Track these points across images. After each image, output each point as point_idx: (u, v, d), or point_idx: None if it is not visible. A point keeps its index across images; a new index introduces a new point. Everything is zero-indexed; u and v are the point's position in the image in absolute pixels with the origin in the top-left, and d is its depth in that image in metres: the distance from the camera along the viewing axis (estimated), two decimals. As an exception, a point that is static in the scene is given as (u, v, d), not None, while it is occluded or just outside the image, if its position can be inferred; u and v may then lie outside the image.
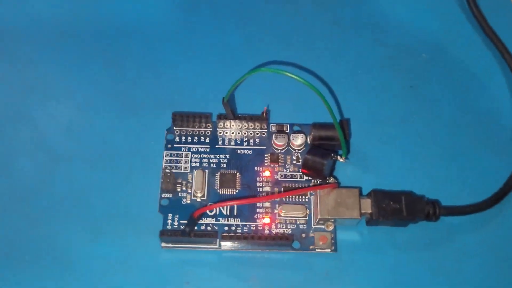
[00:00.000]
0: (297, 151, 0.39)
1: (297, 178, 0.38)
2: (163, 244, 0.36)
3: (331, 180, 0.37)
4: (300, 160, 0.38)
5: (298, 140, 0.38)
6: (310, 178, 0.38)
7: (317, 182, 0.38)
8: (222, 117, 0.38)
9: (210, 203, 0.37)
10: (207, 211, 0.37)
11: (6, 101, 0.41)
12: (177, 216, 0.37)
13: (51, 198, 0.37)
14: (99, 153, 0.39)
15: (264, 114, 0.38)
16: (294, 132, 0.39)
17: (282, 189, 0.38)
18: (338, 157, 0.37)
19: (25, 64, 0.43)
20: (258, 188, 0.38)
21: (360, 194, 0.36)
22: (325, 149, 0.37)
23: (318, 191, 0.36)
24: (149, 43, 0.43)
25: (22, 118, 0.40)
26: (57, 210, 0.37)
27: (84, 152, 0.39)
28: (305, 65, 0.42)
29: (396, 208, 0.36)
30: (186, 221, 0.36)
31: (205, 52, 0.43)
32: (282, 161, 0.39)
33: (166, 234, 0.35)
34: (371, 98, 0.42)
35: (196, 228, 0.36)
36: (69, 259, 0.36)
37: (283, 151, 0.39)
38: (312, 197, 0.37)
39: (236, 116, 0.38)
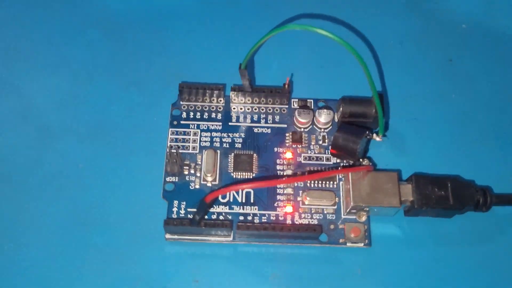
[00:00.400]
0: (323, 130, 0.34)
1: (323, 160, 0.33)
2: (168, 236, 0.31)
3: (366, 162, 0.31)
4: (326, 140, 0.33)
5: (325, 117, 0.33)
6: (340, 160, 0.32)
7: (348, 164, 0.32)
8: (237, 89, 0.33)
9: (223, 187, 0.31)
10: (220, 196, 0.31)
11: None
12: (184, 203, 0.31)
13: (40, 178, 0.32)
14: (94, 129, 0.34)
15: (286, 86, 0.33)
16: (320, 108, 0.33)
17: (306, 173, 0.32)
18: (374, 135, 0.32)
19: (9, 26, 0.37)
20: (278, 171, 0.33)
21: (399, 178, 0.31)
22: (358, 126, 0.32)
23: (350, 174, 0.31)
24: (152, 4, 0.38)
25: (7, 87, 0.35)
26: (46, 192, 0.32)
27: (77, 128, 0.34)
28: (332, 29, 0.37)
29: (442, 195, 0.30)
30: (195, 209, 0.30)
31: (216, 12, 0.38)
32: (306, 141, 0.33)
33: (172, 224, 0.30)
34: (405, 72, 0.36)
35: (206, 217, 0.31)
36: (58, 249, 0.31)
37: (307, 129, 0.34)
38: (342, 182, 0.32)
39: (253, 88, 0.33)
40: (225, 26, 0.37)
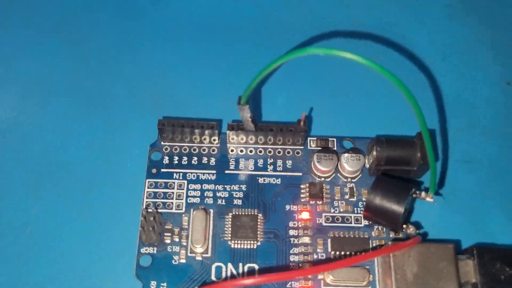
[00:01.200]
0: (350, 179, 0.25)
1: (351, 222, 0.25)
2: (143, 333, 0.23)
3: (411, 229, 0.23)
4: (355, 194, 0.25)
5: (353, 163, 0.25)
6: (374, 224, 0.24)
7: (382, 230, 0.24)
8: (235, 127, 0.25)
9: (230, 268, 0.23)
10: None
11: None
12: (165, 284, 0.23)
13: None
14: (45, 173, 0.26)
15: (302, 123, 0.24)
16: (347, 151, 0.25)
17: (329, 241, 0.24)
18: (423, 193, 0.23)
19: None
20: (291, 239, 0.24)
21: (456, 252, 0.23)
22: (400, 179, 0.24)
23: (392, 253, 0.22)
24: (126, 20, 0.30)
25: None
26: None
27: (23, 172, 0.26)
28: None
29: (515, 276, 0.22)
30: (179, 296, 0.22)
31: (210, 33, 0.30)
32: (328, 196, 0.25)
33: (147, 321, 0.21)
34: (455, 99, 0.28)
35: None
36: None
37: (329, 179, 0.25)
38: (378, 261, 0.24)
39: (258, 126, 0.25)
40: (220, 49, 0.29)
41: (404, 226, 0.23)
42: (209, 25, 0.30)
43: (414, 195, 0.23)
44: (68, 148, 0.26)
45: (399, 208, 0.23)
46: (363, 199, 0.25)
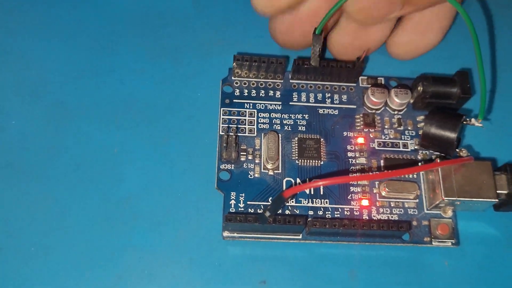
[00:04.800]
0: (397, 112, 0.29)
1: (399, 147, 0.29)
2: (226, 234, 0.26)
3: (464, 152, 0.27)
4: (402, 124, 0.29)
5: (402, 97, 0.29)
6: (430, 150, 0.28)
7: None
8: (301, 62, 0.28)
9: (298, 181, 0.27)
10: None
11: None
12: (243, 195, 0.27)
13: (62, 168, 0.28)
14: (123, 108, 0.29)
15: (360, 59, 0.28)
16: (396, 87, 0.29)
17: (382, 162, 0.28)
18: (472, 120, 0.27)
19: None
20: (350, 159, 0.28)
21: (493, 169, 0.27)
22: (451, 110, 0.28)
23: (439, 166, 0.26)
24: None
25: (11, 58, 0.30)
26: (71, 184, 0.27)
27: (101, 107, 0.29)
28: None
29: (542, 187, 0.26)
30: (254, 202, 0.26)
31: None
32: (379, 125, 0.29)
33: (234, 220, 0.25)
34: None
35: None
36: (94, 250, 0.26)
37: (379, 111, 0.29)
38: (424, 175, 0.28)
39: (322, 62, 0.28)
40: None
41: (457, 150, 0.27)
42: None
43: (465, 122, 0.27)
44: (144, 87, 0.29)
45: (452, 134, 0.27)
46: (409, 128, 0.29)
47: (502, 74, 0.31)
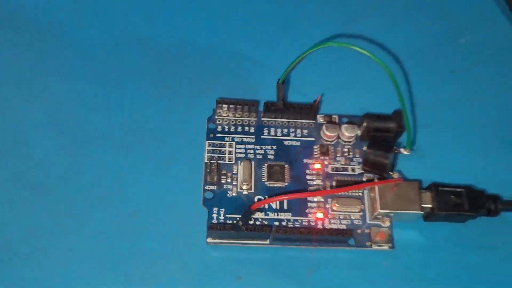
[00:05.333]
0: (347, 143, 0.37)
1: (348, 171, 0.36)
2: (209, 240, 0.33)
3: (395, 175, 0.35)
4: (351, 153, 0.36)
5: (350, 131, 0.36)
6: (370, 173, 0.35)
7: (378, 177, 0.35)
8: (270, 105, 0.36)
9: (266, 197, 0.34)
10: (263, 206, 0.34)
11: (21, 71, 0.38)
12: (223, 210, 0.34)
13: (78, 187, 0.35)
14: (131, 137, 0.36)
15: (316, 103, 0.36)
16: (346, 123, 0.37)
17: (334, 183, 0.35)
18: (402, 149, 0.35)
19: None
20: (308, 181, 0.35)
21: (420, 187, 0.34)
22: (385, 141, 0.35)
23: (376, 187, 0.34)
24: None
25: (36, 90, 0.37)
26: (86, 201, 0.34)
27: (113, 135, 0.36)
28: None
29: (458, 202, 0.34)
30: (235, 215, 0.33)
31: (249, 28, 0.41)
32: (333, 154, 0.36)
33: (216, 228, 0.32)
34: (415, 84, 0.40)
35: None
36: (102, 257, 0.33)
37: (333, 143, 0.37)
38: (366, 191, 0.35)
39: (285, 105, 0.36)
40: (258, 46, 0.40)
41: (391, 173, 0.35)
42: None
43: (396, 151, 0.35)
44: (147, 121, 0.37)
45: (386, 159, 0.34)
46: (357, 156, 0.36)
47: (421, 113, 0.39)
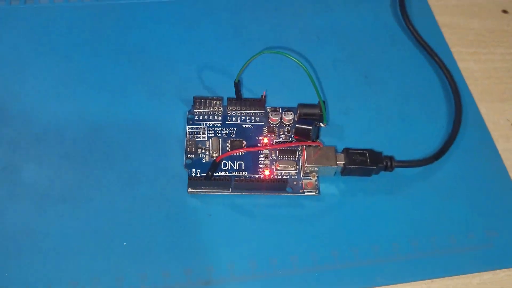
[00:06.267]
0: (287, 125, 0.52)
1: (288, 143, 0.51)
2: (189, 190, 0.47)
3: (317, 141, 0.49)
4: (290, 132, 0.51)
5: (288, 116, 0.51)
6: (299, 140, 0.50)
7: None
8: (231, 99, 0.51)
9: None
10: (225, 157, 0.48)
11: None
12: (199, 170, 0.49)
13: (94, 156, 0.49)
14: (132, 126, 0.51)
15: (263, 97, 0.51)
16: (286, 111, 0.52)
17: (278, 150, 0.50)
18: (320, 123, 0.50)
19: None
20: (260, 151, 0.50)
21: (336, 151, 0.49)
22: (311, 120, 0.50)
23: (304, 148, 0.49)
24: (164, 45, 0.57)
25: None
26: (101, 164, 0.48)
27: (117, 125, 0.51)
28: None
29: (363, 160, 0.48)
30: (208, 170, 0.48)
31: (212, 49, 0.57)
32: (277, 132, 0.51)
33: (193, 179, 0.47)
34: (337, 85, 0.55)
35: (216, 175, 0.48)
36: (113, 200, 0.47)
37: (277, 125, 0.52)
38: (300, 156, 0.50)
39: (242, 99, 0.51)
40: (220, 55, 0.56)
41: (315, 140, 0.50)
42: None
43: (317, 125, 0.50)
44: (141, 116, 0.52)
45: (309, 130, 0.49)
46: (293, 133, 0.51)
47: (340, 104, 0.54)
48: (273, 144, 0.50)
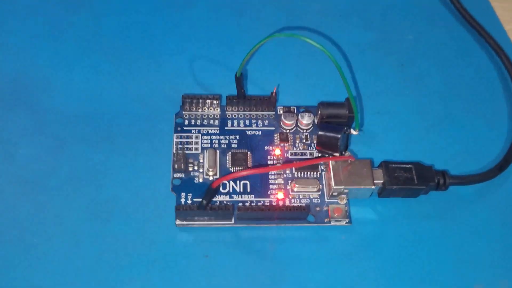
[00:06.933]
0: (305, 130, 0.40)
1: (307, 155, 0.39)
2: (178, 222, 0.36)
3: (347, 153, 0.37)
4: (309, 139, 0.39)
5: (306, 119, 0.39)
6: (325, 154, 0.38)
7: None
8: (232, 98, 0.39)
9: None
10: (221, 187, 0.37)
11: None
12: (190, 194, 0.37)
13: (58, 180, 0.37)
14: (107, 136, 0.39)
15: (273, 94, 0.39)
16: (303, 112, 0.40)
17: (294, 167, 0.38)
18: (351, 130, 0.38)
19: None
20: (269, 165, 0.38)
21: (372, 165, 0.37)
22: (337, 124, 0.38)
23: (330, 163, 0.36)
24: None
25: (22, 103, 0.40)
26: (66, 192, 0.37)
27: (91, 136, 0.39)
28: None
29: (408, 177, 0.37)
30: (199, 199, 0.36)
31: (210, 34, 0.45)
32: (291, 140, 0.39)
33: (182, 209, 0.35)
34: (367, 77, 0.43)
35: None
36: (80, 240, 0.35)
37: (292, 131, 0.40)
38: (324, 172, 0.38)
39: (245, 97, 0.39)
40: (219, 43, 0.44)
41: (344, 153, 0.38)
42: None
43: (347, 132, 0.38)
44: (118, 122, 0.40)
45: (336, 139, 0.37)
46: (314, 142, 0.39)
47: (372, 102, 0.42)
48: (289, 163, 0.38)
